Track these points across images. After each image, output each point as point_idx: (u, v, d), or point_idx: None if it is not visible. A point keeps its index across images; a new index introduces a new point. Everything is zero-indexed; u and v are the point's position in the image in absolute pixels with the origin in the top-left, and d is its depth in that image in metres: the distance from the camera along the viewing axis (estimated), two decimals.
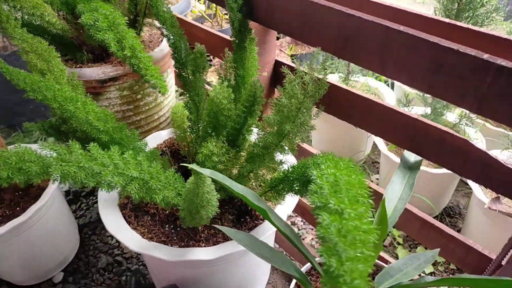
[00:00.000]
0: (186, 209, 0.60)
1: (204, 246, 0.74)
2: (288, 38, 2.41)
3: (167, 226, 0.78)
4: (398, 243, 1.33)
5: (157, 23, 1.19)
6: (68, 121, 0.71)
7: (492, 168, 0.71)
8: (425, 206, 1.34)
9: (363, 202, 0.41)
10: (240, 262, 0.82)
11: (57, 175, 0.53)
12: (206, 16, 2.50)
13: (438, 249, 0.78)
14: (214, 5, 2.54)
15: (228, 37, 1.09)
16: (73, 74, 0.78)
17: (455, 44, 0.60)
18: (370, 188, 0.95)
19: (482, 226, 1.22)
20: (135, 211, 0.81)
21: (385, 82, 1.76)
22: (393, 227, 0.99)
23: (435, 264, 1.26)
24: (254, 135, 0.83)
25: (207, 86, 0.99)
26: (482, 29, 0.69)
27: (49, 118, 1.03)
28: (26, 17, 0.96)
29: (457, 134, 0.74)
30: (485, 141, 1.38)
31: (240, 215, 0.84)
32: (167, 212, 0.81)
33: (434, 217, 1.43)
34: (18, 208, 0.95)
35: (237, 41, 0.87)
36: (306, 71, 0.68)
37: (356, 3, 0.80)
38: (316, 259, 0.80)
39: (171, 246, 0.74)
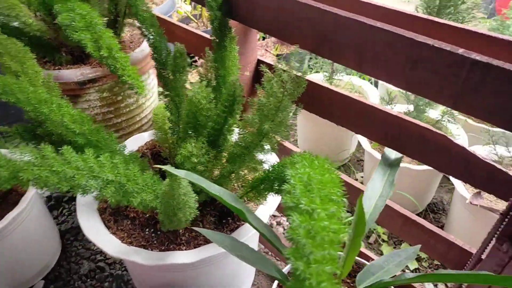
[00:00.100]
0: (163, 212, 0.60)
1: (185, 249, 0.73)
2: (273, 38, 2.41)
3: (147, 230, 0.77)
4: (383, 240, 1.34)
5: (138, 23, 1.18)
6: (43, 124, 0.70)
7: (471, 163, 0.71)
8: (409, 203, 1.35)
9: (336, 201, 0.40)
10: (223, 264, 0.81)
11: (28, 180, 0.51)
12: (191, 17, 2.49)
13: (419, 246, 0.78)
14: (200, 5, 2.53)
15: (210, 37, 1.08)
16: (49, 75, 0.76)
17: (430, 39, 0.60)
18: (353, 186, 0.95)
19: (465, 221, 1.23)
20: (114, 215, 0.79)
21: (369, 80, 1.77)
22: (377, 224, 0.99)
23: (419, 260, 1.27)
24: (235, 135, 0.82)
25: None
26: (459, 25, 0.70)
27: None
28: (1, 17, 0.94)
29: (437, 130, 0.75)
30: (467, 137, 1.39)
31: (222, 216, 0.83)
32: (147, 215, 0.80)
33: (418, 214, 1.44)
34: None
35: (217, 40, 0.86)
36: (285, 69, 0.68)
37: (337, 1, 0.80)
38: None
39: (151, 250, 0.72)
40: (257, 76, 1.08)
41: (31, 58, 0.77)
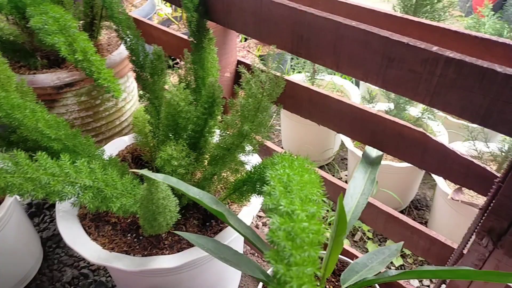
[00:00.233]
0: (143, 217, 0.59)
1: (168, 254, 0.72)
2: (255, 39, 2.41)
3: (129, 235, 0.76)
4: (368, 238, 1.35)
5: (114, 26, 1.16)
6: (17, 130, 0.68)
7: (449, 159, 0.72)
8: (393, 200, 1.36)
9: (316, 201, 0.40)
10: (208, 267, 0.80)
11: (1, 187, 0.50)
12: (172, 19, 2.47)
13: (402, 242, 0.79)
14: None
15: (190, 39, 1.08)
16: (22, 80, 0.74)
17: (405, 37, 0.61)
18: (337, 185, 0.96)
19: (447, 216, 1.25)
20: (95, 221, 0.78)
21: (350, 80, 1.78)
22: (362, 221, 1.00)
23: (404, 256, 1.29)
24: (216, 137, 0.82)
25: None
26: (435, 23, 0.71)
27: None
28: None
29: (415, 127, 0.75)
30: (447, 134, 1.42)
31: (206, 219, 0.82)
32: (129, 220, 0.78)
33: (401, 211, 1.46)
34: None
35: (195, 41, 0.86)
36: (263, 70, 0.67)
37: (314, 1, 0.80)
38: None
39: (134, 255, 0.71)
40: (237, 77, 1.08)
41: (3, 62, 0.75)
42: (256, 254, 1.19)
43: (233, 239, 0.76)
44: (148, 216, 0.57)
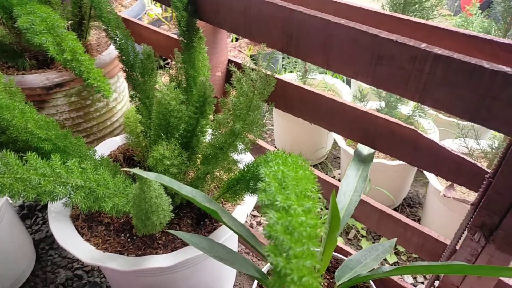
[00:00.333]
0: (135, 216, 0.58)
1: (162, 253, 0.71)
2: (246, 39, 2.41)
3: (122, 235, 0.75)
4: (362, 236, 1.35)
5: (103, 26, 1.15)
6: (6, 131, 0.67)
7: (440, 156, 0.73)
8: (386, 198, 1.37)
9: (311, 196, 0.40)
10: (202, 266, 0.80)
11: None
12: (163, 19, 2.46)
13: (395, 239, 0.79)
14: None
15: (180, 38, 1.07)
16: (10, 80, 0.73)
17: (394, 35, 0.61)
18: (329, 183, 0.96)
19: (440, 213, 1.26)
20: (88, 221, 0.77)
21: (342, 79, 1.79)
22: (355, 219, 1.00)
23: (398, 253, 1.30)
24: (209, 136, 0.82)
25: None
26: (423, 21, 0.71)
27: None
28: None
29: (406, 125, 0.76)
30: (438, 131, 1.43)
31: (200, 218, 0.82)
32: (122, 220, 0.78)
33: (395, 208, 1.47)
34: None
35: (185, 41, 0.86)
36: (254, 68, 0.67)
37: (304, 0, 0.80)
38: None
39: (128, 255, 0.71)
40: (229, 76, 1.08)
41: None
42: (250, 253, 1.19)
43: (227, 238, 0.75)
44: (141, 215, 0.57)
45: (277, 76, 0.82)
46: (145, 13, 2.39)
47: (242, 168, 0.74)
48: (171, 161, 0.70)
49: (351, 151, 1.36)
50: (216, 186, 0.88)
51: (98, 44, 1.10)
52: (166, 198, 0.59)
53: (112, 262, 0.67)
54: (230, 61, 1.06)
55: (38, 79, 0.90)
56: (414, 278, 1.23)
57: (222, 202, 0.84)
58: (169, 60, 2.06)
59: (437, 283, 0.84)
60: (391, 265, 1.25)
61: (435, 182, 1.23)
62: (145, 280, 0.78)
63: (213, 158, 0.75)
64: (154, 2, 2.61)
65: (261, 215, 1.38)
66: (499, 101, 0.54)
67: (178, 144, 0.74)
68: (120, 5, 2.17)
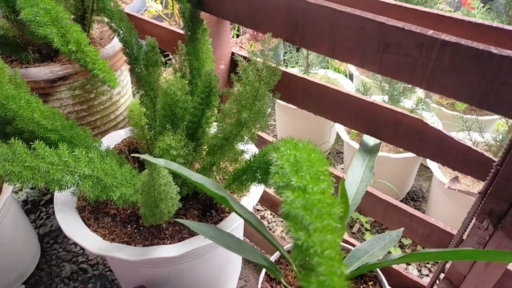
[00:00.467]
0: (144, 204, 0.58)
1: (169, 243, 0.71)
2: (247, 35, 2.41)
3: (129, 226, 0.75)
4: (366, 229, 1.35)
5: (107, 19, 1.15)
6: (12, 122, 0.67)
7: (447, 145, 0.73)
8: (390, 191, 1.37)
9: (325, 179, 0.40)
10: (209, 257, 0.80)
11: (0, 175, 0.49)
12: (163, 16, 2.45)
13: (402, 228, 0.79)
14: (171, 4, 2.50)
15: (182, 32, 1.07)
16: (15, 72, 0.73)
17: (401, 22, 0.61)
18: (334, 174, 0.96)
19: (444, 206, 1.26)
20: (94, 213, 0.77)
21: (344, 73, 1.79)
22: (359, 212, 1.00)
23: (402, 247, 1.30)
24: (214, 128, 0.82)
25: None
26: (428, 9, 0.71)
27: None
28: None
29: (411, 115, 0.76)
30: (441, 125, 1.43)
31: (206, 209, 0.82)
32: (129, 211, 0.78)
33: None
34: None
35: (189, 32, 0.85)
36: (260, 57, 0.67)
37: None
38: (285, 247, 0.80)
39: (135, 246, 0.71)
40: (232, 69, 1.08)
41: None
42: (255, 247, 1.19)
43: (233, 228, 0.75)
44: (150, 203, 0.57)
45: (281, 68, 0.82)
46: (145, 10, 2.38)
47: (249, 159, 0.74)
48: (177, 151, 0.70)
49: (354, 145, 1.36)
50: (222, 178, 0.88)
51: (101, 38, 1.10)
52: (175, 187, 0.59)
53: (119, 252, 0.67)
54: (233, 54, 1.06)
55: (42, 72, 0.90)
56: (419, 271, 1.23)
57: None
58: (170, 57, 2.06)
59: (442, 275, 0.84)
60: None
61: (440, 174, 1.23)
62: (152, 271, 0.78)
63: (219, 149, 0.75)
64: None
65: (269, 211, 1.38)
66: (508, 86, 0.54)
67: (184, 135, 0.74)
68: (121, 2, 2.17)
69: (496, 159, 0.65)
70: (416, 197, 1.52)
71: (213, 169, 0.79)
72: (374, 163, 0.80)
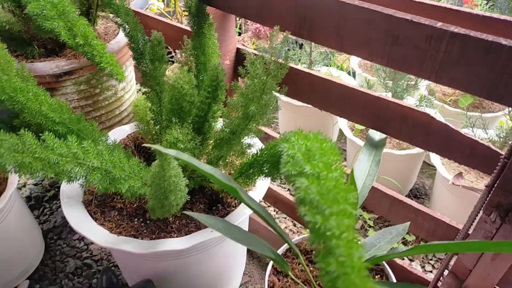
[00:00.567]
0: (153, 196, 0.58)
1: (176, 237, 0.71)
2: (249, 33, 2.41)
3: (136, 220, 0.75)
4: (369, 226, 1.35)
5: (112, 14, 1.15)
6: (20, 115, 0.67)
7: (454, 139, 0.73)
8: (394, 188, 1.37)
9: (337, 168, 0.40)
10: (215, 251, 0.80)
11: (8, 166, 0.49)
12: (165, 14, 2.45)
13: (409, 222, 0.79)
14: (173, 2, 2.50)
15: (186, 28, 1.07)
16: (22, 66, 0.73)
17: (409, 14, 0.61)
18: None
19: (448, 202, 1.26)
20: (101, 207, 0.77)
21: (347, 71, 1.79)
22: (364, 207, 1.00)
23: (406, 244, 1.30)
24: (219, 124, 0.82)
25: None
26: (436, 2, 0.71)
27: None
28: None
29: (418, 108, 0.76)
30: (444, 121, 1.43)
31: (212, 204, 0.82)
32: (135, 205, 0.78)
33: None
34: None
35: (195, 27, 0.85)
36: (267, 49, 0.67)
37: None
38: (293, 240, 0.80)
39: (142, 239, 0.71)
40: (237, 64, 1.08)
41: (2, 48, 0.73)
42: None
43: (239, 223, 0.75)
44: (159, 194, 0.56)
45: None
46: (147, 8, 2.39)
47: (255, 152, 0.74)
48: (184, 144, 0.70)
49: (358, 141, 1.36)
50: (228, 172, 0.88)
51: (106, 33, 1.10)
52: (183, 179, 0.59)
53: (127, 245, 0.67)
54: (238, 50, 1.05)
55: (48, 66, 0.90)
56: (423, 267, 1.24)
57: None
58: (173, 54, 2.06)
59: (446, 272, 0.84)
60: None
61: (444, 171, 1.23)
62: (158, 265, 0.78)
63: (226, 143, 0.75)
64: None
65: (273, 207, 1.38)
66: None
67: (191, 129, 0.74)
68: None
69: (503, 153, 0.65)
70: (419, 194, 1.52)
71: (219, 163, 0.79)
72: (380, 158, 0.80)
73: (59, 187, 1.36)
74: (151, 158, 0.91)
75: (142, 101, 0.92)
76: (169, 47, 1.38)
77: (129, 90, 1.13)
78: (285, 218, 1.34)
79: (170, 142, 0.68)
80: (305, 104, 0.92)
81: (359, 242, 0.73)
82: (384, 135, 0.85)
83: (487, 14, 0.66)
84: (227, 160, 0.79)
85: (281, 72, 0.68)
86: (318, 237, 0.30)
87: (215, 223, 0.62)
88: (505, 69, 0.55)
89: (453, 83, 0.61)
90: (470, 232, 0.76)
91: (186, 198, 0.64)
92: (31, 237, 1.06)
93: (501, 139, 1.26)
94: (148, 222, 0.74)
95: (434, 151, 0.77)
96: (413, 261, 1.25)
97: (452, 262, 0.83)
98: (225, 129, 0.74)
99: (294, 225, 1.32)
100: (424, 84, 1.59)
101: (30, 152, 0.51)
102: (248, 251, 1.10)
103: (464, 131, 1.34)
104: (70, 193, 0.78)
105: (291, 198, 1.11)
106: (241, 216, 0.77)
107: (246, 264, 1.09)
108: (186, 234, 0.71)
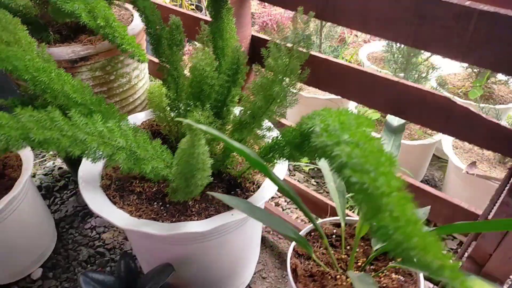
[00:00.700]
0: (180, 174, 0.58)
1: (197, 220, 0.71)
2: (256, 27, 2.40)
3: (155, 203, 0.75)
4: None
5: (126, 4, 1.14)
6: (41, 96, 0.66)
7: (474, 123, 0.72)
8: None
9: (374, 139, 0.40)
10: (234, 235, 0.79)
11: (39, 141, 0.48)
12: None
13: (429, 206, 0.79)
14: None
15: (201, 16, 1.07)
16: (43, 47, 0.73)
17: None
18: None
19: (461, 192, 1.26)
20: (119, 191, 0.77)
21: (357, 63, 1.78)
22: None
23: None
24: (237, 109, 0.81)
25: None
26: None
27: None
28: None
29: (438, 93, 0.75)
30: None
31: (230, 189, 0.81)
32: (154, 189, 0.77)
33: None
34: None
35: (213, 12, 0.85)
36: (291, 30, 0.67)
37: None
38: (306, 228, 0.80)
39: (162, 222, 0.70)
40: (252, 52, 1.07)
41: (23, 29, 0.73)
42: (271, 232, 1.19)
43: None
44: (187, 172, 0.56)
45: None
46: None
47: (275, 136, 0.74)
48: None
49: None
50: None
51: (120, 21, 1.09)
52: (209, 159, 0.58)
53: (148, 227, 0.67)
54: (253, 37, 1.05)
55: (64, 51, 0.89)
56: None
57: (251, 174, 0.84)
58: (185, 43, 2.05)
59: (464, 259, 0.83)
60: None
61: (457, 160, 1.22)
62: (178, 249, 0.77)
63: (246, 126, 0.74)
64: None
65: (284, 198, 1.37)
66: None
67: (212, 113, 0.73)
68: None
69: None
70: (429, 186, 1.51)
71: None
72: (400, 142, 0.80)
73: (69, 177, 1.36)
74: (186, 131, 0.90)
75: (157, 88, 0.91)
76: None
77: (142, 78, 1.13)
78: (296, 208, 1.34)
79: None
80: (314, 95, 0.92)
81: None
82: (402, 121, 0.84)
83: None
84: (247, 145, 0.79)
85: (304, 54, 0.68)
86: (365, 197, 0.30)
87: (239, 203, 0.62)
88: None
89: (481, 62, 0.60)
90: (490, 217, 0.76)
91: (210, 180, 0.63)
92: (44, 224, 1.06)
93: None
94: (167, 205, 0.74)
95: (454, 135, 0.77)
96: None
97: (469, 249, 0.83)
98: (246, 112, 0.73)
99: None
100: (434, 76, 1.58)
101: (58, 128, 0.51)
102: (261, 240, 1.10)
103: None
104: (87, 178, 0.77)
105: (302, 187, 1.11)
106: (260, 200, 0.76)
107: (260, 253, 1.09)
108: (206, 218, 0.71)
